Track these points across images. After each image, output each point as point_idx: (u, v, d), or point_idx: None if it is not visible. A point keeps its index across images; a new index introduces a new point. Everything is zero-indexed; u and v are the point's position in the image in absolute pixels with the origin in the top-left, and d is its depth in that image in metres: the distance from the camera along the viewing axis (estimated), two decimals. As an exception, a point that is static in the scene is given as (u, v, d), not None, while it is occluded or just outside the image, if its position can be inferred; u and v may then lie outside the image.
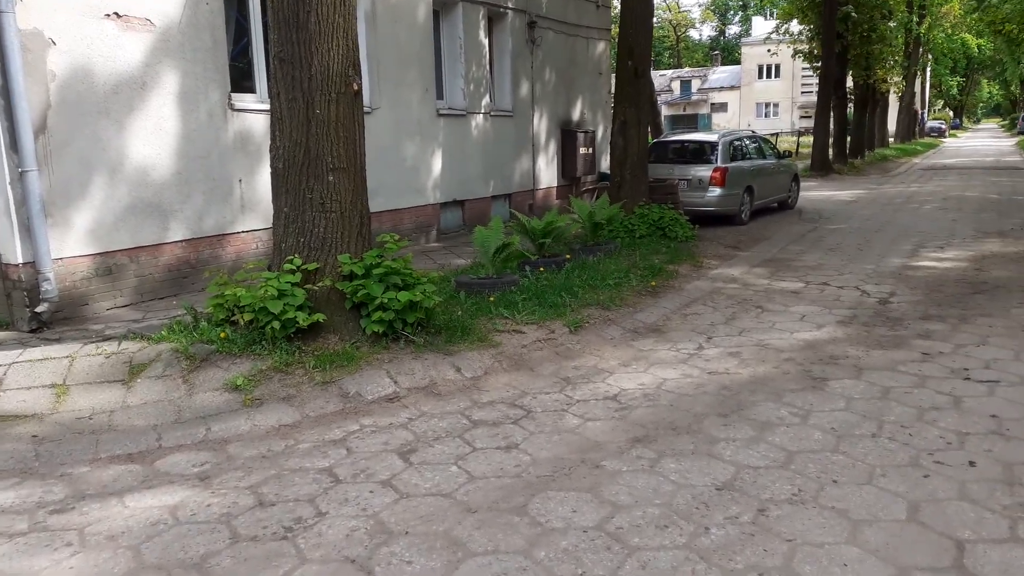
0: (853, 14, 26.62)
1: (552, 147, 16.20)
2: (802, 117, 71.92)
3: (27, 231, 7.27)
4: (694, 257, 10.79)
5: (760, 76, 77.30)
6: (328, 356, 6.07)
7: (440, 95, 13.09)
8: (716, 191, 13.89)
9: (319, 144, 6.36)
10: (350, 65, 6.42)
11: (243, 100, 9.44)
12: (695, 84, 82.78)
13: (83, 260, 7.84)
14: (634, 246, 11.09)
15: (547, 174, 16.04)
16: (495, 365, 6.31)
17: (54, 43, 7.38)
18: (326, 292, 6.40)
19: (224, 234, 9.31)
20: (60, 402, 5.57)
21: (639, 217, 11.90)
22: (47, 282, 7.38)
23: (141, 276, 8.41)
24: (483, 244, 8.55)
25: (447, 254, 11.50)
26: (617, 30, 13.09)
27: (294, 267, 6.35)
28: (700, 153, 14.53)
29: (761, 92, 77.08)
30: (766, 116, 76.10)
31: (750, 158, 15.09)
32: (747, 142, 15.39)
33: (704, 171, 13.96)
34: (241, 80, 9.49)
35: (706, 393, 5.67)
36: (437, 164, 12.73)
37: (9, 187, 7.16)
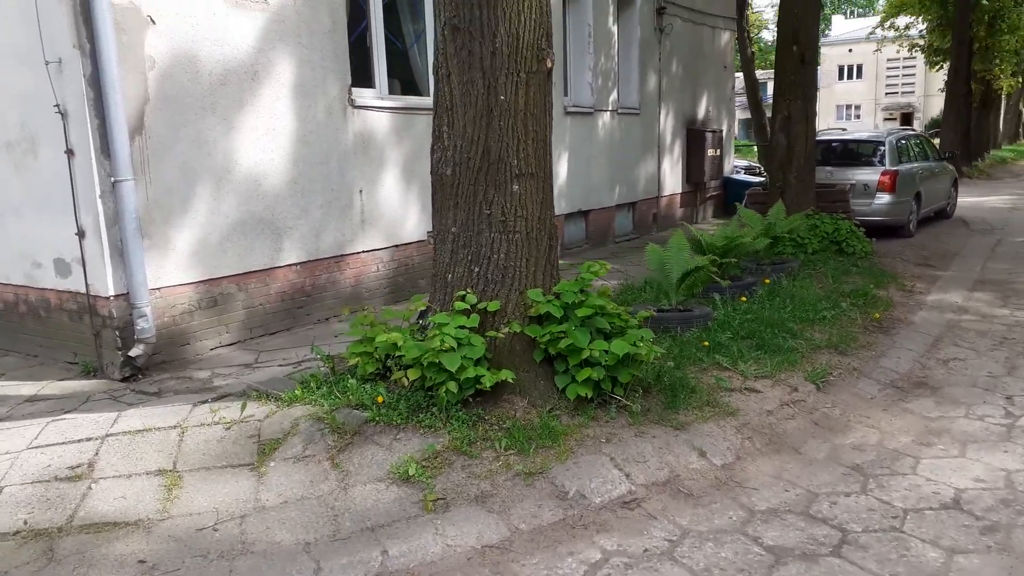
0: (984, 0, 24.11)
1: (677, 148, 14.41)
2: (886, 119, 68.37)
3: (120, 255, 5.83)
4: (894, 278, 8.86)
5: (840, 77, 73.71)
6: (522, 431, 4.42)
7: (566, 91, 11.42)
8: (885, 198, 11.92)
9: (502, 142, 4.73)
10: (543, 34, 4.78)
11: (363, 96, 7.91)
12: (770, 87, 79.74)
13: (184, 290, 6.38)
14: (809, 263, 9.24)
15: (672, 179, 14.25)
16: (746, 445, 4.58)
17: (153, 22, 5.93)
18: (509, 340, 4.76)
19: (343, 255, 7.79)
20: (171, 499, 4.03)
21: (810, 229, 10.02)
22: (143, 319, 5.92)
23: (250, 307, 6.92)
24: (662, 267, 6.81)
25: (587, 275, 9.78)
26: (776, 13, 11.23)
27: (468, 307, 4.71)
28: (864, 154, 12.57)
29: (842, 94, 73.42)
30: (847, 119, 72.60)
31: (915, 160, 13.04)
32: (912, 141, 13.34)
33: (871, 175, 12.01)
34: (358, 72, 7.94)
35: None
36: (563, 169, 11.07)
37: (99, 200, 5.72)
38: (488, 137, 4.72)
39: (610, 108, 12.18)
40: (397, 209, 8.34)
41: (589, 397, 4.63)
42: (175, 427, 4.70)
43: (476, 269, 4.86)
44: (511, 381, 4.59)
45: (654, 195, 13.66)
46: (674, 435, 4.52)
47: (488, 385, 4.48)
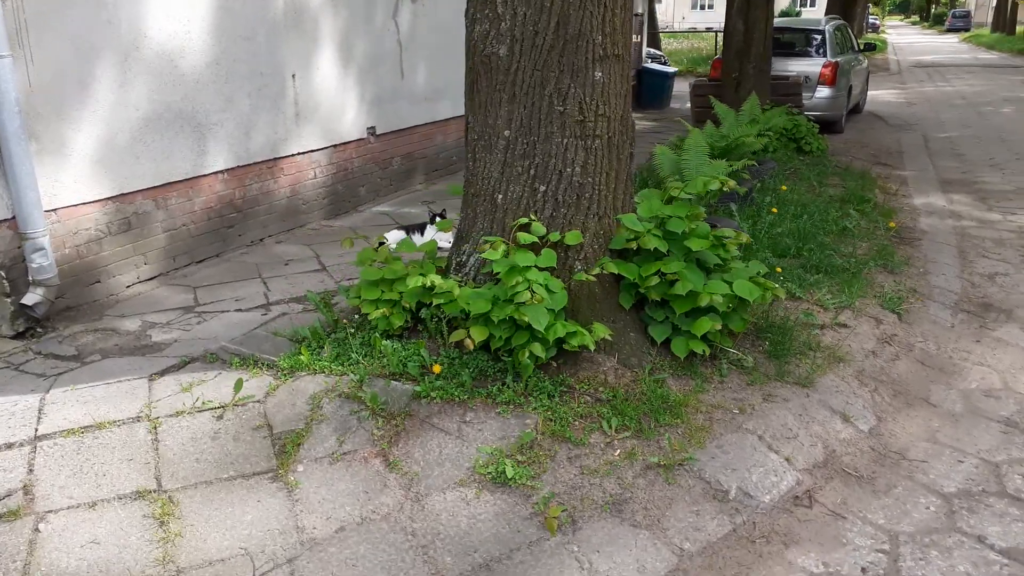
0: None
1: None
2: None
3: (-1, 166, 4.14)
4: (871, 180, 8.34)
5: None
6: (629, 403, 3.38)
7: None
8: (825, 91, 11.38)
9: (584, 9, 3.47)
10: None
11: (291, -49, 6.18)
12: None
13: (89, 210, 4.74)
14: (781, 165, 8.58)
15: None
16: (877, 401, 3.79)
17: None
18: (586, 283, 3.64)
19: (276, 158, 6.23)
20: (171, 541, 2.74)
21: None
22: (40, 252, 4.31)
23: (171, 230, 5.34)
24: (680, 174, 5.82)
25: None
26: None
27: (536, 239, 3.54)
28: (801, 44, 11.88)
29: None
30: (701, 8, 72.88)
31: (846, 51, 12.56)
32: (842, 31, 12.82)
33: (811, 66, 11.39)
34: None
35: None
36: (500, 54, 9.64)
37: (-35, 88, 3.96)
38: (567, 2, 3.44)
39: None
40: (335, 99, 6.79)
41: (706, 354, 3.63)
42: (139, 418, 3.31)
43: (542, 187, 3.65)
44: (608, 339, 3.50)
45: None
46: (804, 395, 3.64)
47: (577, 345, 3.38)
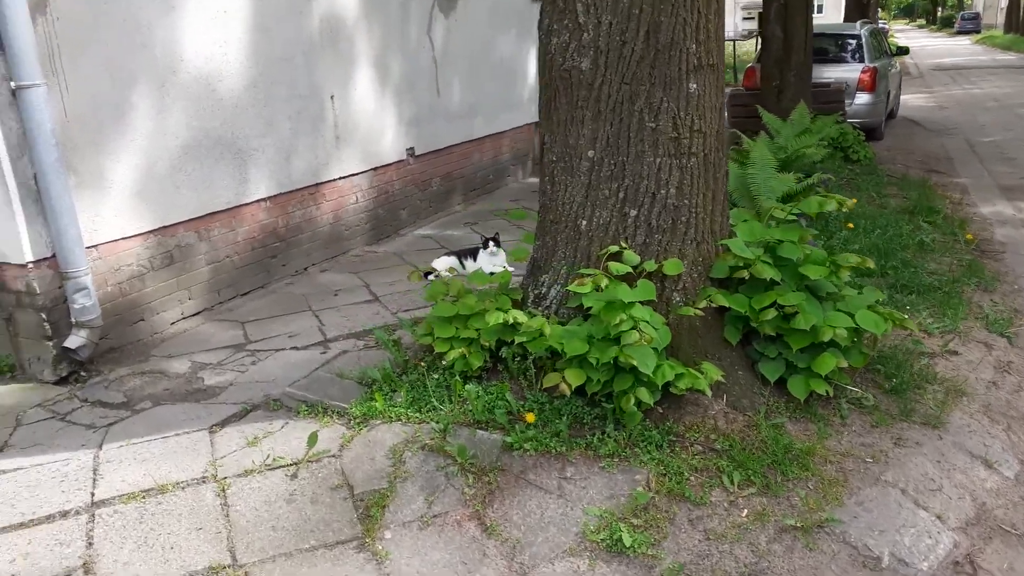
0: None
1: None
2: (745, 19, 68.89)
3: (35, 200, 3.86)
4: (931, 189, 7.97)
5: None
6: (748, 453, 3.04)
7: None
8: (864, 97, 11.04)
9: (677, 16, 3.15)
10: None
11: (328, -33, 5.91)
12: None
13: (131, 245, 4.45)
14: (835, 175, 8.21)
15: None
16: (1014, 441, 3.41)
17: None
18: (687, 316, 3.30)
19: (318, 184, 5.94)
20: (256, 628, 2.40)
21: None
22: (82, 292, 4.01)
23: (215, 262, 5.04)
24: (746, 189, 5.48)
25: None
26: None
27: (630, 269, 3.21)
28: (839, 49, 11.55)
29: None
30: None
31: (881, 56, 12.22)
32: (877, 35, 12.48)
33: (850, 72, 11.06)
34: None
35: None
36: (531, 69, 9.37)
37: None
38: (657, 9, 3.12)
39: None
40: (373, 120, 6.50)
41: (829, 394, 3.28)
42: (204, 478, 2.99)
43: (633, 212, 3.32)
44: (721, 380, 3.16)
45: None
46: (936, 437, 3.28)
47: (684, 388, 3.04)
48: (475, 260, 5.56)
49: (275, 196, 5.50)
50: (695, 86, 3.23)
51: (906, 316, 3.36)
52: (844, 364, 3.20)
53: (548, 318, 3.46)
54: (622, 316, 2.88)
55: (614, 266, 3.22)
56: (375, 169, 6.58)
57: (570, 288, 3.28)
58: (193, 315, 4.92)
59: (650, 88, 3.20)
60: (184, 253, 4.80)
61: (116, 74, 4.23)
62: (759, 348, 3.35)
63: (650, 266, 3.25)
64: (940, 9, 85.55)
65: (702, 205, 3.37)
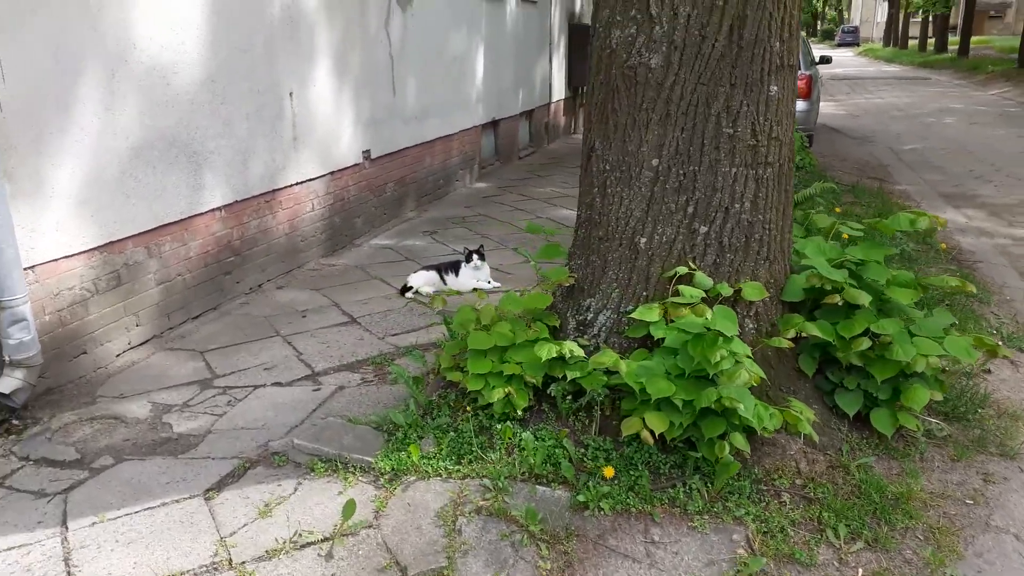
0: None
1: (563, 47, 12.63)
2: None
3: (-36, 215, 3.12)
4: (885, 198, 8.01)
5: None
6: (840, 496, 2.69)
7: (472, -33, 9.14)
8: (802, 105, 11.02)
9: (763, 9, 2.78)
10: None
11: (284, -52, 5.29)
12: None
13: (74, 264, 3.74)
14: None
15: (559, 82, 12.50)
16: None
17: None
18: (763, 347, 2.94)
19: (275, 190, 5.30)
20: None
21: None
22: (19, 326, 3.31)
23: (166, 281, 4.36)
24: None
25: (526, 202, 7.97)
26: None
27: (705, 292, 2.82)
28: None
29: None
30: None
31: (812, 65, 12.35)
32: (806, 43, 12.63)
33: (788, 80, 11.03)
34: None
35: None
36: (479, 69, 8.93)
37: (-76, 112, 2.96)
38: (743, 1, 2.74)
39: (516, -7, 10.07)
40: (331, 120, 5.90)
41: (919, 430, 2.97)
42: (216, 566, 2.39)
43: (703, 228, 2.93)
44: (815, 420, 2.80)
45: (547, 101, 11.86)
46: (1017, 470, 3.03)
47: (774, 429, 2.66)
48: (457, 275, 5.07)
49: (230, 205, 4.84)
50: (776, 88, 2.87)
51: (998, 343, 3.09)
52: (938, 397, 2.90)
53: (598, 349, 3.03)
54: (723, 352, 2.47)
55: (686, 291, 2.82)
56: (332, 173, 5.97)
57: (635, 315, 2.85)
58: (141, 344, 4.22)
59: (730, 90, 2.82)
60: (132, 273, 4.10)
61: (61, 59, 3.53)
62: (834, 378, 3.02)
63: (725, 290, 2.87)
64: (820, 22, 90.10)
65: (775, 221, 3.01)
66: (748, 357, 2.58)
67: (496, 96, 9.50)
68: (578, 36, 12.76)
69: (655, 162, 2.93)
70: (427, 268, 5.15)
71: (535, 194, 8.33)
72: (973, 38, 34.90)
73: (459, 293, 4.72)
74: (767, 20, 2.78)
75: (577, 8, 13.34)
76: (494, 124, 9.74)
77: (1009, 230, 7.24)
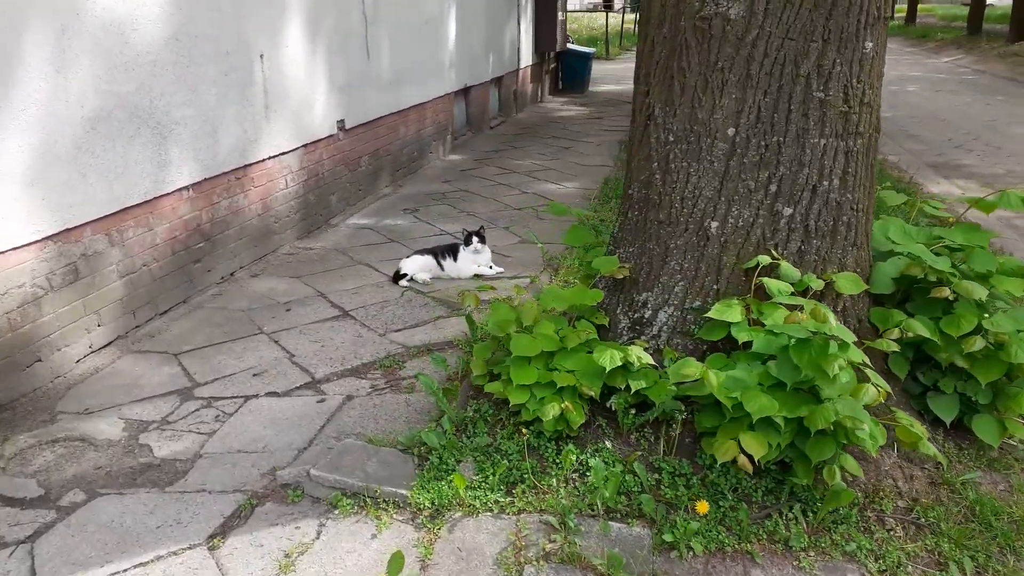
0: None
1: (530, 10, 12.05)
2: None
3: None
4: (881, 168, 7.70)
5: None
6: (952, 521, 2.35)
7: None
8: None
9: (865, -48, 2.35)
10: None
11: None
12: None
13: (25, 257, 3.16)
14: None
15: (526, 47, 11.93)
16: None
17: None
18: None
19: (247, 165, 4.73)
20: None
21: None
22: (-40, 335, 2.72)
23: (131, 273, 3.79)
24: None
25: (507, 175, 7.49)
26: None
27: (797, 286, 2.41)
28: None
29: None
30: None
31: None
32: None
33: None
34: None
35: None
36: (452, 31, 8.35)
37: None
38: (840, -56, 2.30)
39: (486, -50, 9.46)
40: (304, 86, 5.32)
41: (1029, 438, 2.63)
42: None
43: (787, 210, 2.51)
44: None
45: (515, 67, 11.30)
46: None
47: (875, 449, 2.28)
48: (455, 260, 4.60)
49: (199, 183, 4.26)
50: (871, 44, 2.45)
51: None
52: (1049, 403, 2.55)
53: (659, 352, 2.61)
54: (840, 361, 2.07)
55: (771, 284, 2.40)
56: (305, 146, 5.40)
57: (711, 314, 2.42)
58: (104, 346, 3.66)
59: (822, 46, 2.39)
60: (92, 264, 3.52)
61: (3, 11, 2.91)
62: (925, 380, 2.65)
63: (814, 283, 2.46)
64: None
65: (862, 200, 2.61)
66: (868, 367, 2.18)
67: (468, 61, 8.93)
68: (545, -3, 12.18)
69: (731, 132, 2.49)
70: (421, 252, 4.66)
71: (515, 167, 7.84)
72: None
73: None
74: (870, -40, 2.35)
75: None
76: (466, 91, 9.17)
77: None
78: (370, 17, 6.16)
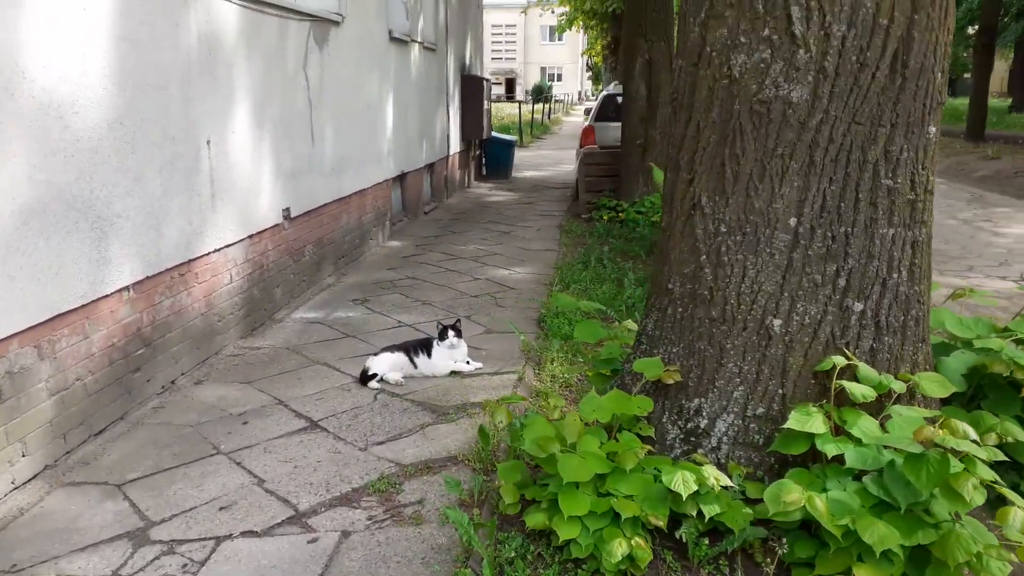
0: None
1: (457, 98, 12.03)
2: (495, 83, 69.99)
3: None
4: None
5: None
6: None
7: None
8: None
9: (931, 32, 2.23)
10: None
11: (197, -33, 4.33)
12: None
13: (-61, 382, 2.59)
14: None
15: (455, 134, 11.84)
16: None
17: None
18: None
19: (191, 260, 4.25)
20: None
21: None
22: None
23: (62, 390, 3.24)
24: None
25: (454, 262, 7.21)
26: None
27: (878, 389, 2.16)
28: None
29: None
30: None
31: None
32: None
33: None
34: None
35: None
36: (389, 117, 8.13)
37: None
38: (911, 20, 2.16)
39: (420, 39, 9.37)
40: (251, 173, 4.92)
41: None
42: None
43: (858, 306, 2.28)
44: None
45: (445, 154, 11.16)
46: None
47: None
48: (429, 356, 4.21)
49: (140, 282, 3.77)
50: (934, 130, 2.29)
51: None
52: None
53: (721, 467, 2.29)
54: (972, 481, 1.79)
55: (854, 388, 2.14)
56: (251, 236, 4.96)
57: (791, 424, 2.13)
58: (30, 480, 3.07)
59: (890, 131, 2.21)
60: (18, 383, 2.97)
61: (-79, 89, 2.44)
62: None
63: (897, 386, 2.22)
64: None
65: (926, 292, 2.41)
66: (1001, 485, 1.92)
67: (405, 147, 8.70)
68: (469, 87, 12.21)
69: (793, 222, 2.26)
70: (391, 349, 4.25)
71: (459, 252, 7.55)
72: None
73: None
74: (933, 44, 2.21)
75: (467, 58, 12.82)
76: (402, 178, 8.91)
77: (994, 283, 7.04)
78: (314, 101, 5.85)
